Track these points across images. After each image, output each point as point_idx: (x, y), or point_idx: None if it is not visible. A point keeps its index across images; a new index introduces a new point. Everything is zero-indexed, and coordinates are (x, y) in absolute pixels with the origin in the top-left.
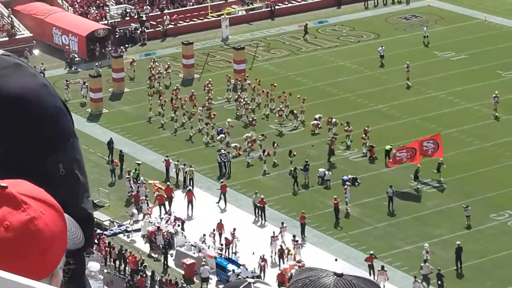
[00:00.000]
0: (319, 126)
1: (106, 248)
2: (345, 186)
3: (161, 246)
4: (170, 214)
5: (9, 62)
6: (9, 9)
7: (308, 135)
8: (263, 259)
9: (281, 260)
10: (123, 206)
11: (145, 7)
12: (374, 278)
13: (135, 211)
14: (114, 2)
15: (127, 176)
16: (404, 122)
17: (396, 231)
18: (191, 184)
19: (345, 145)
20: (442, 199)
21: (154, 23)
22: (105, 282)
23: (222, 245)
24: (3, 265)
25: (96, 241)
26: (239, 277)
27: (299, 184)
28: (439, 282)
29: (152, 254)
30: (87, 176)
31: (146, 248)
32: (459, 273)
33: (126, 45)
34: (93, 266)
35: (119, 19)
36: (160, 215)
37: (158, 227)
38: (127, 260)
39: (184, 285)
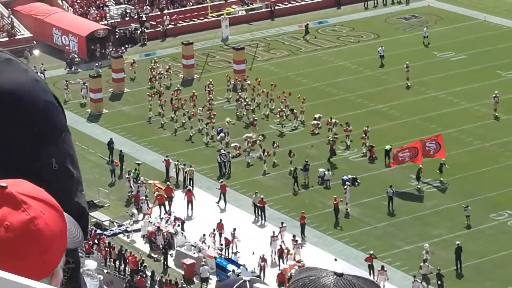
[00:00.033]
0: (319, 126)
1: (106, 248)
2: (345, 186)
3: (161, 246)
4: (170, 214)
5: (0, 57)
6: (9, 9)
7: (308, 135)
8: (263, 259)
9: (281, 260)
10: (123, 206)
11: (145, 7)
12: (374, 278)
13: (135, 211)
14: (114, 2)
15: (127, 176)
16: (404, 122)
17: (396, 231)
18: (191, 184)
19: (345, 145)
20: (442, 199)
21: (154, 23)
22: (105, 282)
23: (222, 245)
24: (3, 265)
25: (96, 241)
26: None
27: (299, 184)
28: (439, 282)
29: (152, 254)
30: (80, 171)
31: (146, 248)
32: (459, 273)
33: (126, 46)
34: (90, 264)
35: (119, 20)
36: (160, 215)
37: (158, 227)
38: (127, 260)
39: (184, 285)
